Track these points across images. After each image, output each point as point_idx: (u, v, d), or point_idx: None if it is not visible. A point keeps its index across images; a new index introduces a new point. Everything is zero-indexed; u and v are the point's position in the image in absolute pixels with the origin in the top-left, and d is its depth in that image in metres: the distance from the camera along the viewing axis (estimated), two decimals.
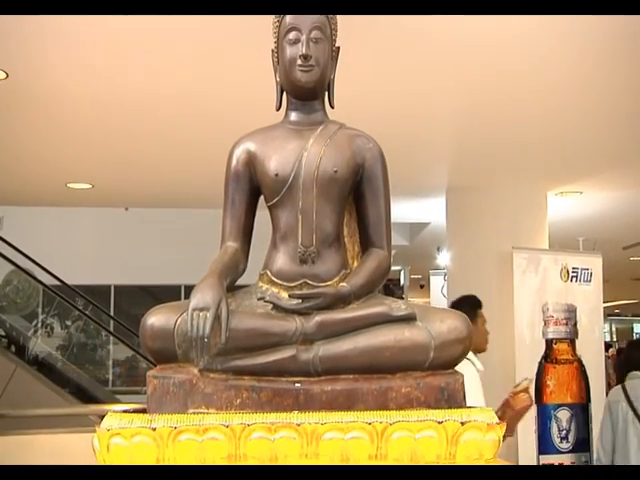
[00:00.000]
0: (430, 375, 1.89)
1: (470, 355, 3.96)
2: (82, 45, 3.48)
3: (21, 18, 3.15)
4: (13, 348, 9.48)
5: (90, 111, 4.47)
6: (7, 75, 3.80)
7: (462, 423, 1.77)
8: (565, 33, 3.34)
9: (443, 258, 9.43)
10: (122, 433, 1.73)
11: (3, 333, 9.70)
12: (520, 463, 5.46)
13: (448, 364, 1.91)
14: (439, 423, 1.77)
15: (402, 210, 7.87)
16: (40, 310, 10.29)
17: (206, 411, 1.81)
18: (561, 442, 5.97)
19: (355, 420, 1.75)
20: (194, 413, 1.80)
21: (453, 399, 1.88)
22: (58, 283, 10.22)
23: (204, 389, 1.84)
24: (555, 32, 3.33)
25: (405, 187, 6.44)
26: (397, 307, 1.92)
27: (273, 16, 2.11)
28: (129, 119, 4.62)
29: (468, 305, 4.37)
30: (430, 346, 1.87)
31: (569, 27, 3.27)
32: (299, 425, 1.73)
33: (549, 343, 6.10)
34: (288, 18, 2.07)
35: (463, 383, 1.92)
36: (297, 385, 1.84)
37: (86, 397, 9.32)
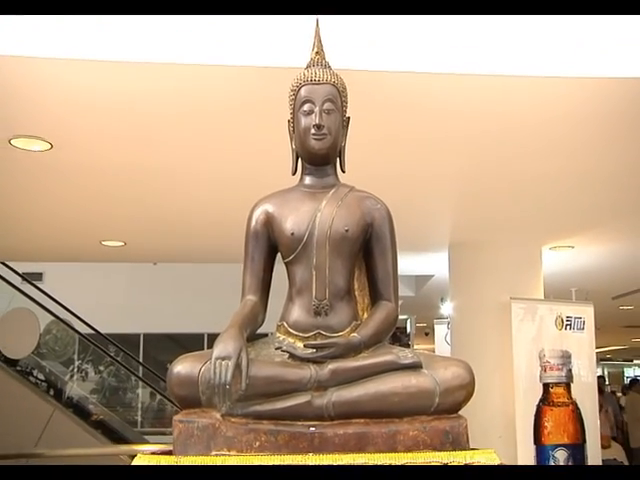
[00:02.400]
0: (436, 419, 1.86)
1: None
2: (119, 119, 3.53)
3: (67, 95, 3.21)
4: (52, 392, 9.45)
5: (123, 178, 4.51)
6: (52, 146, 3.86)
7: (466, 465, 1.75)
8: (560, 101, 3.36)
9: (446, 308, 9.36)
10: None
11: (43, 378, 9.68)
12: None
13: (452, 409, 1.89)
14: (444, 464, 1.74)
15: (408, 263, 7.85)
16: (76, 357, 10.28)
17: (228, 453, 1.80)
18: None
19: (366, 462, 1.72)
20: (217, 455, 1.78)
21: (457, 442, 1.85)
22: (92, 332, 10.24)
23: (226, 432, 1.82)
24: (551, 100, 3.35)
25: (411, 242, 6.44)
26: (404, 356, 1.91)
27: (289, 89, 2.14)
28: (158, 185, 4.66)
29: None
30: (435, 392, 1.85)
31: (565, 95, 3.29)
32: None
33: (546, 387, 6.02)
34: (302, 91, 2.10)
35: (467, 427, 1.89)
36: (312, 429, 1.82)
37: (117, 438, 9.25)
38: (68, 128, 3.67)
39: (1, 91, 3.20)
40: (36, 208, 5.34)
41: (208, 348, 1.90)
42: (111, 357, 10.78)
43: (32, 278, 10.07)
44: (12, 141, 3.78)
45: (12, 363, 8.81)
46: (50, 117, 3.52)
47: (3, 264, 9.17)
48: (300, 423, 1.83)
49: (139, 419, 11.57)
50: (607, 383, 15.45)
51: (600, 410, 8.34)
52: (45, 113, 3.48)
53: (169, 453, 1.83)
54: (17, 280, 9.50)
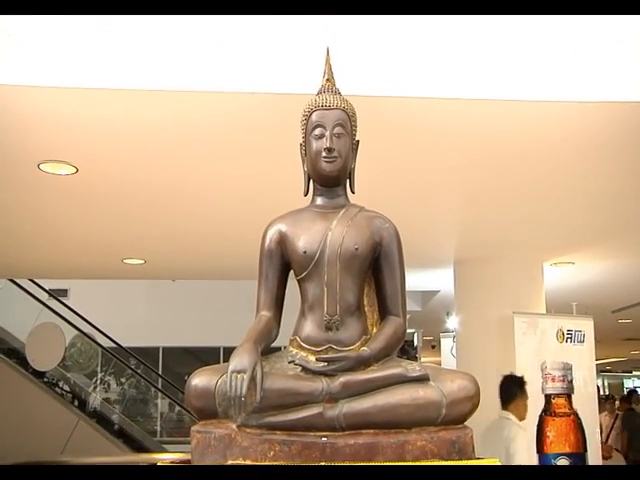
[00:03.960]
0: (442, 430, 1.85)
1: None
2: (140, 145, 3.55)
3: (92, 122, 3.23)
4: (76, 402, 9.47)
5: (144, 199, 4.53)
6: (77, 170, 3.89)
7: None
8: (560, 125, 3.35)
9: (452, 322, 9.32)
10: None
11: (68, 389, 9.70)
12: None
13: (458, 419, 1.87)
14: None
15: (415, 279, 7.83)
16: (99, 369, 10.30)
17: (243, 462, 1.78)
18: None
19: None
20: (232, 464, 1.77)
21: (463, 451, 1.84)
22: (114, 345, 10.26)
23: (241, 443, 1.81)
24: (552, 124, 3.34)
25: (418, 259, 6.42)
26: (412, 369, 1.89)
27: (301, 115, 2.14)
28: (176, 206, 4.67)
29: None
30: (442, 403, 1.84)
31: (566, 119, 3.28)
32: None
33: (548, 398, 5.97)
34: (314, 116, 2.10)
35: (472, 437, 1.87)
36: (324, 439, 1.80)
37: (137, 446, 9.25)
38: (93, 153, 3.70)
39: (31, 119, 3.23)
40: (62, 228, 5.37)
41: (224, 361, 1.89)
42: (132, 369, 10.79)
43: (58, 294, 10.12)
44: (41, 166, 3.81)
45: (40, 375, 8.84)
46: (76, 143, 3.55)
47: (31, 281, 9.22)
48: (312, 433, 1.81)
49: (158, 429, 11.55)
50: (607, 393, 15.27)
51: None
52: (71, 139, 3.50)
53: (187, 462, 1.82)
54: (44, 296, 9.55)
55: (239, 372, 1.76)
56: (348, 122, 2.12)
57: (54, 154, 3.69)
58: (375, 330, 2.08)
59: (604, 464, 6.51)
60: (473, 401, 1.88)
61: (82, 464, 5.52)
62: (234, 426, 1.82)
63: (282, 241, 2.09)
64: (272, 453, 1.79)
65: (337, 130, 2.07)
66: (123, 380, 10.87)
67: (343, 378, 1.85)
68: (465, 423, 1.90)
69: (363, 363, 1.90)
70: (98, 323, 9.96)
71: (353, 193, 2.19)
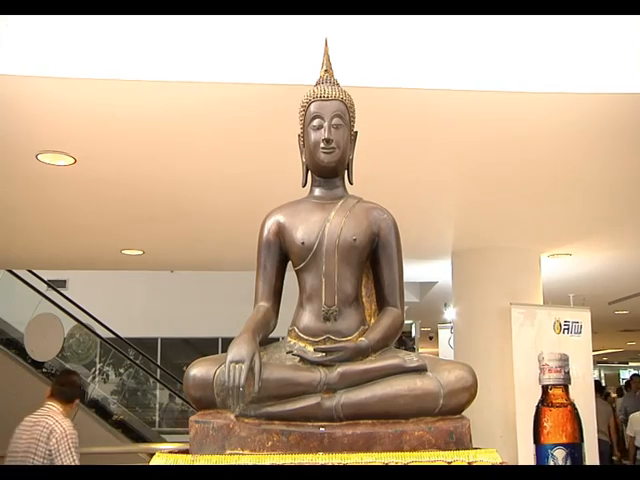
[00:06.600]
0: (440, 420, 1.85)
1: None
2: (138, 135, 3.54)
3: (90, 113, 3.22)
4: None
5: (142, 190, 4.52)
6: (75, 160, 3.88)
7: (469, 463, 1.73)
8: (558, 115, 3.35)
9: (449, 313, 9.33)
10: None
11: None
12: None
13: (456, 410, 1.88)
14: (448, 463, 1.72)
15: (413, 271, 7.83)
16: (98, 360, 10.31)
17: (241, 452, 1.79)
18: None
19: (373, 461, 1.71)
20: (231, 454, 1.78)
21: (461, 442, 1.84)
22: (113, 336, 10.27)
23: (240, 433, 1.81)
24: (550, 114, 3.33)
25: (416, 250, 6.42)
26: (410, 359, 1.90)
27: (299, 105, 2.14)
28: (175, 197, 4.66)
29: None
30: (440, 394, 1.84)
31: (563, 109, 3.27)
32: None
33: (545, 389, 5.98)
34: (312, 107, 2.10)
35: (469, 427, 1.87)
36: (322, 429, 1.81)
37: (136, 437, 9.26)
38: (91, 144, 3.69)
39: (30, 110, 3.22)
40: (61, 219, 5.36)
41: (222, 352, 1.89)
42: (130, 360, 10.81)
43: (57, 285, 10.11)
44: (39, 156, 3.80)
45: (38, 365, 8.84)
46: (74, 134, 3.54)
47: (30, 272, 9.21)
48: (310, 424, 1.82)
49: (157, 419, 11.58)
50: (604, 384, 15.30)
51: None
52: (70, 130, 3.49)
53: (186, 452, 1.83)
54: (43, 287, 9.54)
55: (237, 362, 1.76)
56: (346, 113, 2.11)
57: (52, 145, 3.68)
58: (373, 321, 2.08)
59: None
60: (470, 391, 1.89)
61: (81, 453, 5.52)
62: (232, 416, 1.82)
63: (280, 232, 2.09)
64: (270, 443, 1.80)
65: (335, 121, 2.07)
66: (122, 371, 10.88)
67: (341, 368, 1.85)
68: (462, 413, 1.90)
69: (361, 353, 1.91)
70: (97, 314, 9.96)
71: (351, 184, 2.19)
